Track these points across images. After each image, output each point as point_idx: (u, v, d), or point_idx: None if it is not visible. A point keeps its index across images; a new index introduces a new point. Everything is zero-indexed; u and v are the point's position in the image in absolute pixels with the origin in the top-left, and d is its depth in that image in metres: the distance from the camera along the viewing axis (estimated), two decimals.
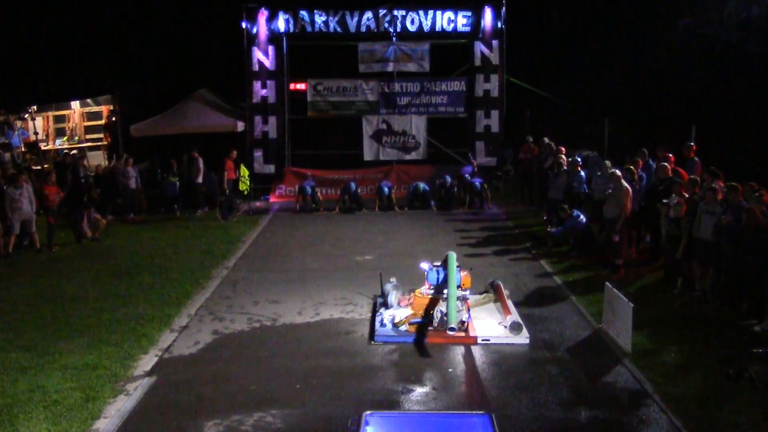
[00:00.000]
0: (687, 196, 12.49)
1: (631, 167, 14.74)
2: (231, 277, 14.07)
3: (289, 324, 11.35)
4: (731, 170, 13.75)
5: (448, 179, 21.26)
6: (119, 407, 8.39)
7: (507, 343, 10.33)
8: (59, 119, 26.66)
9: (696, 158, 15.49)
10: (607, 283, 11.03)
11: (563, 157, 17.73)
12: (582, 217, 15.31)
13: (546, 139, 20.49)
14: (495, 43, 23.34)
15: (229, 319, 11.57)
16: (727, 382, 8.84)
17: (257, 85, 23.43)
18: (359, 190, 21.10)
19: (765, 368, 9.01)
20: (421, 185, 21.11)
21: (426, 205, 20.92)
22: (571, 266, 14.55)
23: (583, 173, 16.87)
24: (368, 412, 5.88)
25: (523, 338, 10.42)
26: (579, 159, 17.39)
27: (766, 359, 9.33)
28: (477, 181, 21.07)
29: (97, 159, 25.45)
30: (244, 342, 10.63)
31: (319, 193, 21.32)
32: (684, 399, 8.43)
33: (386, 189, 21.05)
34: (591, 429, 7.86)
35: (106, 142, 26.13)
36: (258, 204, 22.31)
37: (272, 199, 23.15)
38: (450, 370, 9.62)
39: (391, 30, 23.19)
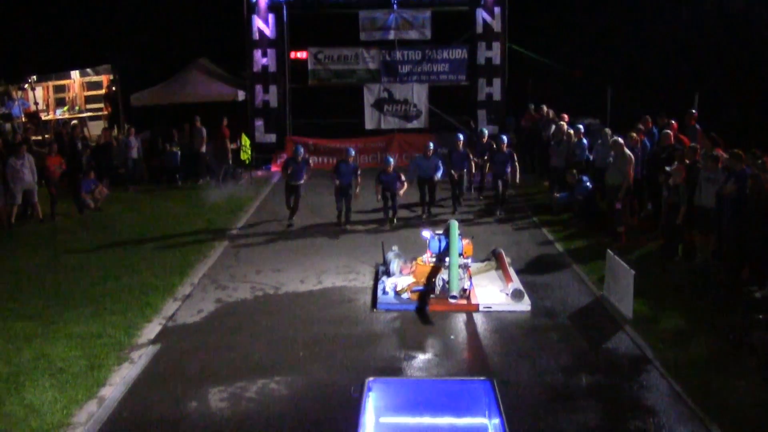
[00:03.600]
0: (688, 163, 12.45)
1: (633, 134, 14.69)
2: (233, 246, 14.11)
3: (292, 292, 11.40)
4: (734, 137, 13.70)
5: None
6: (124, 375, 8.47)
7: (508, 311, 10.38)
8: (59, 89, 26.53)
9: (697, 126, 15.43)
10: (608, 250, 11.05)
11: (564, 124, 17.65)
12: (588, 182, 15.29)
13: (544, 107, 20.35)
14: (497, 10, 23.07)
15: (232, 287, 11.62)
16: (727, 348, 8.91)
17: (257, 53, 23.24)
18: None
19: (766, 335, 9.07)
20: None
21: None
22: (572, 234, 14.57)
23: (585, 141, 16.80)
24: (371, 378, 5.93)
25: (525, 305, 10.47)
26: (581, 127, 17.32)
27: (767, 326, 9.38)
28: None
29: (98, 129, 25.36)
30: (247, 310, 10.69)
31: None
32: (684, 365, 8.49)
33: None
34: (592, 394, 7.92)
35: (106, 112, 26.03)
36: (259, 173, 22.29)
37: (274, 168, 23.08)
38: (452, 337, 9.69)
39: None
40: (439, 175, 15.65)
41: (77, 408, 7.64)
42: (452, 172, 16.40)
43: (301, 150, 15.54)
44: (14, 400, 7.78)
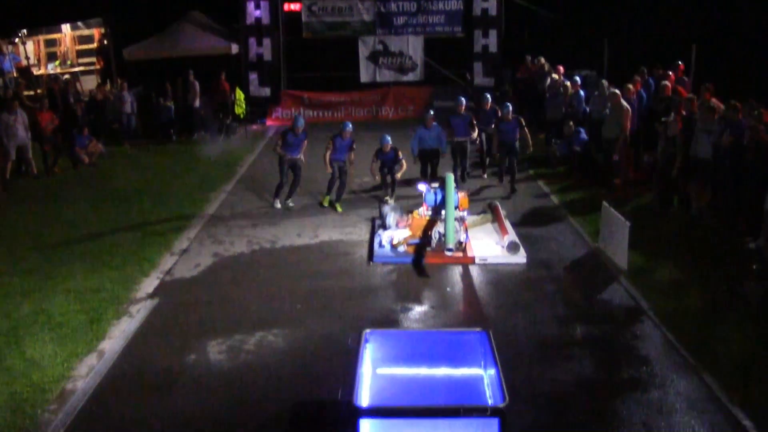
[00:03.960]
0: (684, 114, 12.41)
1: (630, 86, 14.60)
2: (229, 201, 14.11)
3: (289, 246, 11.44)
4: (731, 89, 13.62)
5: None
6: (123, 328, 8.53)
7: (504, 263, 10.44)
8: (50, 43, 26.11)
9: (685, 78, 15.34)
10: (604, 202, 11.07)
11: (557, 76, 17.48)
12: (583, 134, 15.25)
13: (542, 59, 20.17)
14: None
15: (228, 241, 11.65)
16: (721, 298, 9.00)
17: (250, 5, 22.87)
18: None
19: (759, 285, 9.16)
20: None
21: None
22: (568, 186, 14.58)
23: (582, 93, 16.70)
24: (368, 330, 5.97)
25: (521, 258, 10.52)
26: (578, 79, 17.19)
27: (760, 276, 9.47)
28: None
29: (91, 83, 25.09)
30: (244, 264, 10.73)
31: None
32: (678, 315, 8.57)
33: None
34: (586, 345, 8.01)
35: (98, 67, 25.72)
36: (254, 127, 22.18)
37: (269, 122, 22.99)
38: (448, 289, 9.76)
39: None
40: (443, 146, 13.94)
41: (77, 361, 7.71)
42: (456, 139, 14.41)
43: (302, 121, 13.45)
44: (14, 354, 7.84)
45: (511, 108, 14.28)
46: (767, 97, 12.20)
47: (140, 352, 7.96)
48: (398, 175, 13.51)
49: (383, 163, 13.54)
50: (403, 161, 13.45)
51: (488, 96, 15.50)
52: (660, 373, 7.29)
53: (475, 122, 14.60)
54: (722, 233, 11.24)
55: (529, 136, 14.40)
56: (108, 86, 22.41)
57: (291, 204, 13.46)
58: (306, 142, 13.50)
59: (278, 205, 13.37)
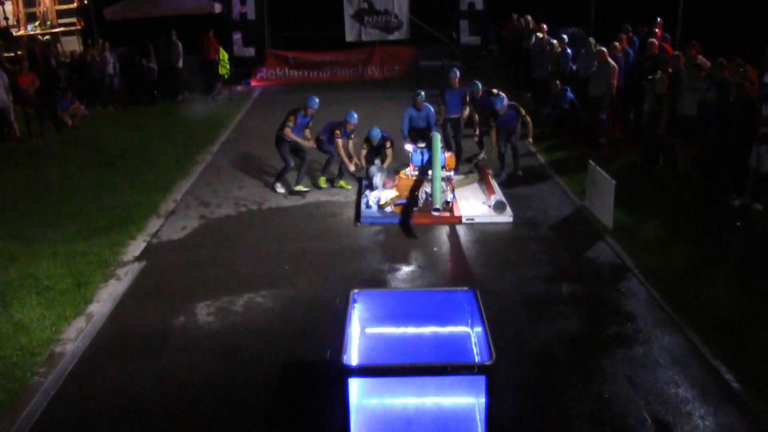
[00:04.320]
0: (671, 72, 12.38)
1: (616, 44, 14.53)
2: (215, 163, 14.03)
3: (276, 207, 11.42)
4: (716, 46, 13.59)
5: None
6: (111, 291, 8.53)
7: (491, 222, 10.48)
8: (29, 3, 25.61)
9: (667, 35, 15.27)
10: (590, 161, 11.09)
11: (541, 35, 17.32)
12: (569, 92, 15.20)
13: (528, 17, 19.96)
14: None
15: (215, 204, 11.61)
16: (705, 256, 9.10)
17: None
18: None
19: (743, 241, 9.27)
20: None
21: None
22: (554, 145, 14.58)
23: (569, 51, 16.60)
24: (356, 290, 6.01)
25: (507, 217, 10.56)
26: (565, 37, 17.07)
27: (744, 233, 9.59)
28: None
29: (72, 45, 24.70)
30: (231, 226, 10.72)
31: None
32: (663, 272, 8.66)
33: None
34: (572, 302, 8.09)
35: (79, 27, 25.31)
36: (239, 88, 21.98)
37: (253, 83, 22.80)
38: (435, 249, 9.80)
39: None
40: (433, 127, 12.32)
41: (66, 324, 7.72)
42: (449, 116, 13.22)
43: (316, 101, 11.97)
44: (2, 318, 7.84)
45: (505, 100, 12.52)
46: (753, 53, 12.20)
47: (129, 314, 7.97)
48: (385, 164, 12.09)
49: (370, 150, 12.27)
50: (390, 151, 12.18)
51: (479, 84, 13.78)
52: (644, 329, 7.39)
53: (468, 99, 13.26)
54: (707, 191, 11.32)
55: (530, 122, 12.81)
56: (94, 48, 22.09)
57: (305, 189, 12.10)
58: (311, 123, 12.21)
59: (281, 190, 12.10)
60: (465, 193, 11.55)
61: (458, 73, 13.36)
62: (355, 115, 12.04)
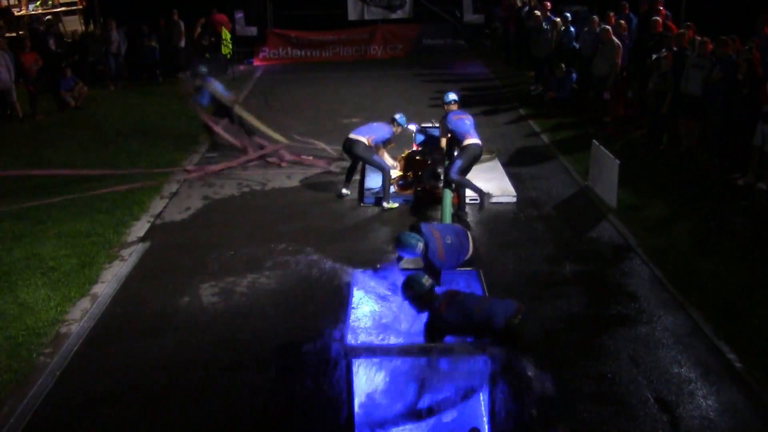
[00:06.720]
0: (675, 50, 12.30)
1: (622, 22, 14.43)
2: (218, 143, 13.98)
3: (279, 188, 11.41)
4: (719, 24, 13.48)
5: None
6: (115, 272, 8.56)
7: (494, 202, 10.45)
8: None
9: (668, 12, 15.15)
10: (593, 140, 11.06)
11: (538, 13, 17.16)
12: (574, 75, 15.12)
13: None
14: None
15: (218, 184, 11.61)
16: (709, 235, 9.09)
17: None
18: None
19: (747, 221, 9.26)
20: None
21: None
22: (558, 125, 14.53)
23: (572, 29, 16.48)
24: (359, 270, 6.03)
25: (510, 197, 10.54)
26: (569, 15, 16.94)
27: (748, 213, 9.56)
28: None
29: (74, 24, 24.61)
30: (234, 207, 10.72)
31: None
32: (666, 252, 8.66)
33: None
34: (575, 282, 8.10)
35: (81, 6, 25.20)
36: (241, 68, 21.89)
37: (256, 63, 22.71)
38: None
39: None
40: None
41: (71, 305, 7.76)
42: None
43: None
44: (8, 298, 7.88)
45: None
46: (748, 32, 12.07)
47: (133, 295, 8.00)
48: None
49: None
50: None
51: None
52: (647, 309, 7.40)
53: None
54: (711, 170, 11.29)
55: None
56: (91, 26, 22.00)
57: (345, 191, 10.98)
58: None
59: (345, 191, 10.94)
60: (482, 172, 10.91)
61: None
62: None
